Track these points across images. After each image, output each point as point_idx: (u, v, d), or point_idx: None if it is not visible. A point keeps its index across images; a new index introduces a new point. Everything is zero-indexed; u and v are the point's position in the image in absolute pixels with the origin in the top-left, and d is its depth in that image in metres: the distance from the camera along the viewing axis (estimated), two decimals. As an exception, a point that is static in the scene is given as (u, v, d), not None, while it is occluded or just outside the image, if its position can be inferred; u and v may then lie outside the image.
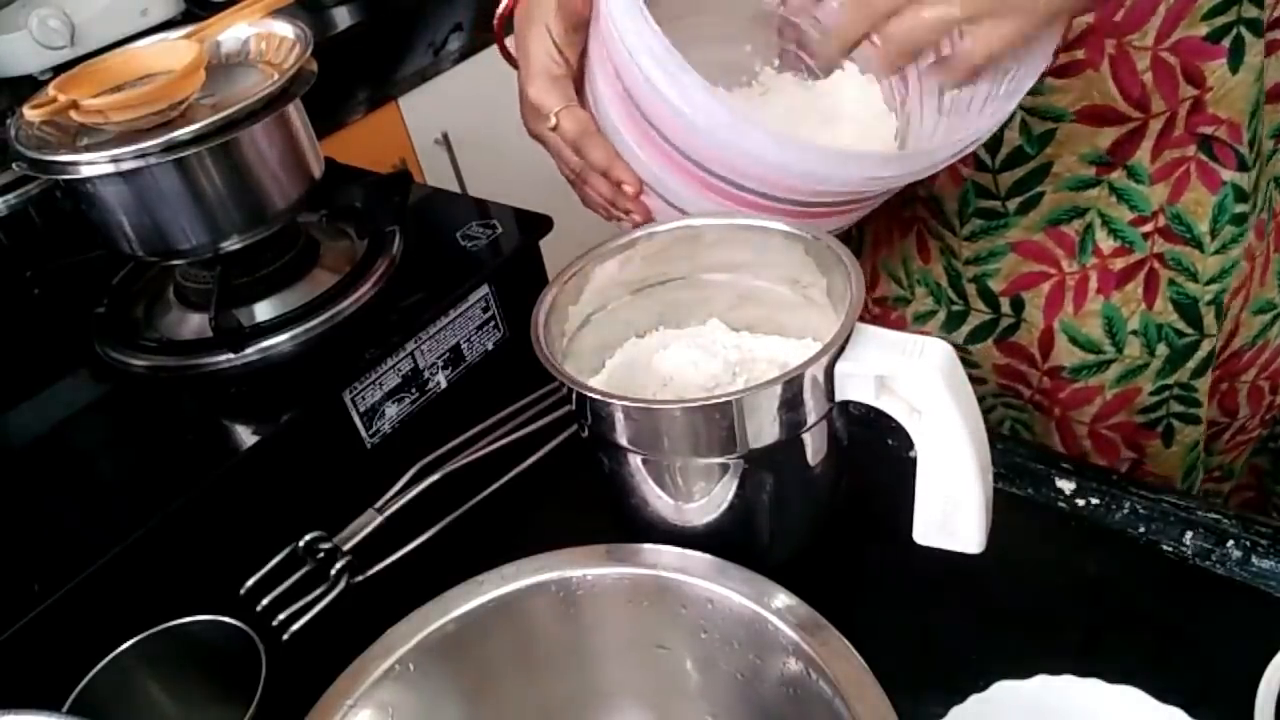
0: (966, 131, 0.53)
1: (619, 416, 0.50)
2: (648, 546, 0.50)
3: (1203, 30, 0.57)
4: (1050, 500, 0.61)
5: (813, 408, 0.50)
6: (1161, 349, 0.67)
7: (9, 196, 0.80)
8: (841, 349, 0.49)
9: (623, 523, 0.56)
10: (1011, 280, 0.68)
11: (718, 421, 0.49)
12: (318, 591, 0.59)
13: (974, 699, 0.49)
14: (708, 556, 0.49)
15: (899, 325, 0.75)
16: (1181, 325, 0.66)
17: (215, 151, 0.65)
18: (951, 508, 0.50)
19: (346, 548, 0.61)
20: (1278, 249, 0.67)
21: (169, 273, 0.77)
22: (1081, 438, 0.71)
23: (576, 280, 0.57)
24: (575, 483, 0.61)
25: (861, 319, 0.49)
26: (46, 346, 0.77)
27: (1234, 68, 0.58)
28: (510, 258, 0.76)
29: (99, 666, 0.52)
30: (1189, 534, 0.57)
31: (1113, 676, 0.49)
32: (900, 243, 0.73)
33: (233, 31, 0.74)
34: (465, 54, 1.55)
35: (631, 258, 0.59)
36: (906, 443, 0.56)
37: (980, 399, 0.73)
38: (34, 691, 0.52)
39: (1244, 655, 0.48)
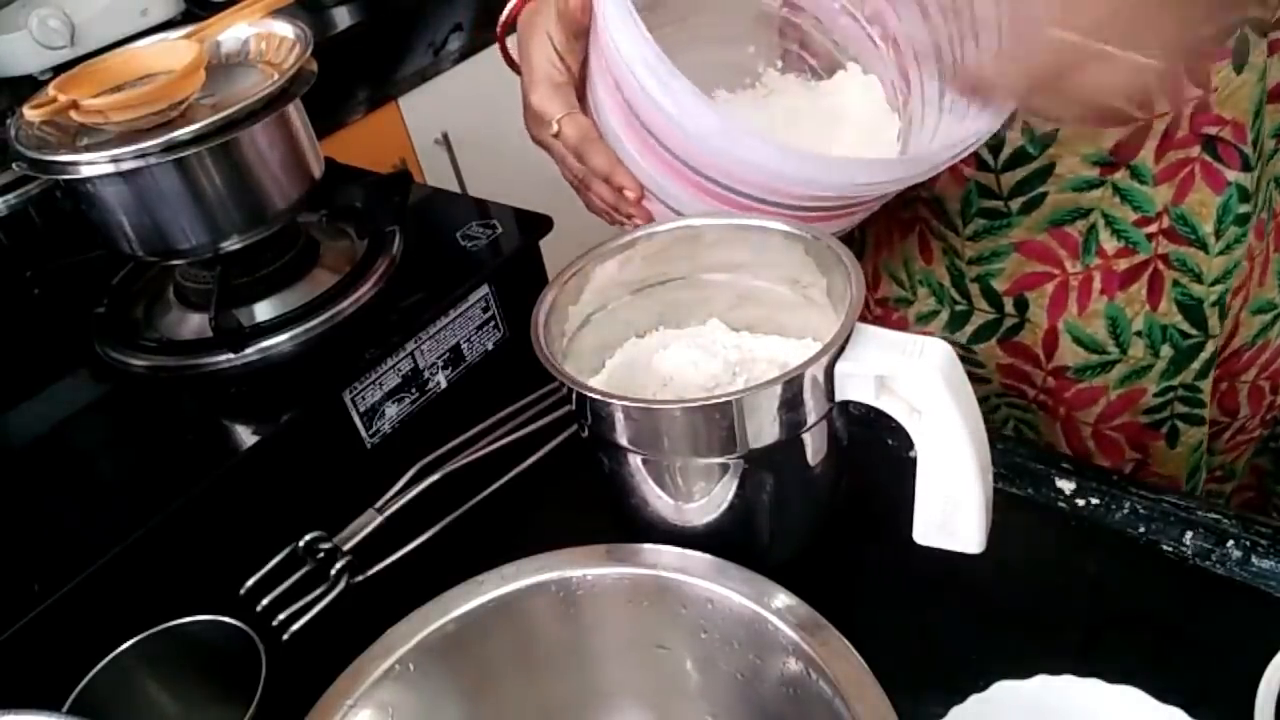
0: (965, 133, 0.53)
1: (619, 416, 0.50)
2: (648, 546, 0.50)
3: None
4: (1050, 500, 0.61)
5: (813, 408, 0.50)
6: (1166, 350, 0.67)
7: (9, 196, 0.80)
8: (841, 349, 0.49)
9: (623, 523, 0.56)
10: (1015, 280, 0.68)
11: (718, 421, 0.49)
12: (318, 591, 0.59)
13: (974, 699, 0.49)
14: (708, 556, 0.49)
15: (900, 326, 0.75)
16: (1186, 326, 0.66)
17: (215, 151, 0.65)
18: (951, 508, 0.50)
19: (346, 548, 0.61)
20: (1278, 249, 0.67)
21: (169, 273, 0.77)
22: (1086, 438, 0.71)
23: (576, 280, 0.57)
24: (575, 483, 0.61)
25: (863, 320, 0.50)
26: (46, 346, 0.77)
27: (1238, 68, 0.58)
28: (510, 258, 0.76)
29: (99, 666, 0.52)
30: (1189, 534, 0.57)
31: (1113, 676, 0.49)
32: (902, 243, 0.73)
33: (233, 31, 0.74)
34: (465, 54, 1.55)
35: (631, 258, 0.59)
36: (906, 443, 0.56)
37: (984, 399, 0.74)
38: (34, 691, 0.52)
39: (1244, 655, 0.48)
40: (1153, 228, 0.63)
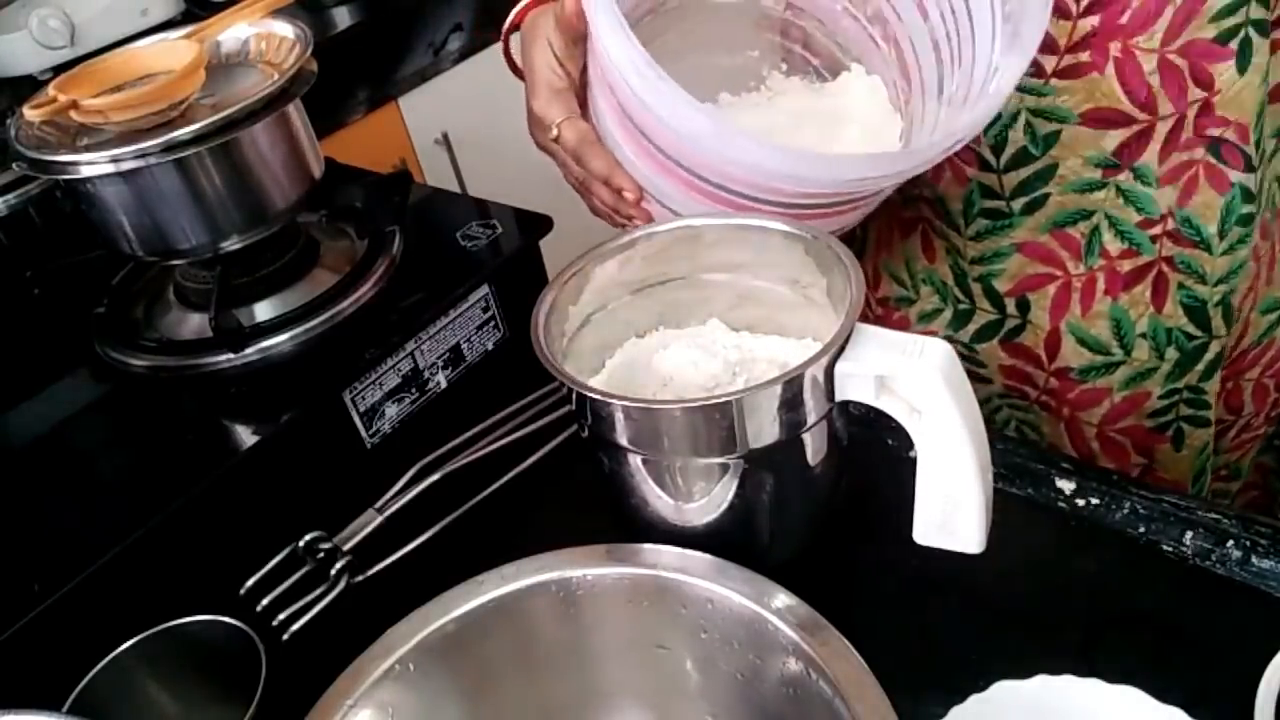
0: (958, 125, 0.53)
1: (619, 416, 0.50)
2: (648, 546, 0.50)
3: (1211, 32, 0.57)
4: (1050, 500, 0.61)
5: (813, 408, 0.50)
6: (1171, 353, 0.67)
7: (9, 196, 0.80)
8: (841, 349, 0.49)
9: (623, 523, 0.56)
10: (1017, 281, 0.68)
11: (718, 421, 0.49)
12: (318, 591, 0.59)
13: (974, 699, 0.49)
14: (708, 556, 0.49)
15: (902, 325, 0.75)
16: (1191, 328, 0.66)
17: (215, 151, 0.65)
18: (951, 508, 0.50)
19: (346, 548, 0.61)
20: (1283, 246, 0.67)
21: (169, 273, 0.77)
22: (1090, 439, 0.71)
23: (576, 280, 0.57)
24: (575, 483, 0.61)
25: (863, 319, 0.50)
26: (46, 346, 0.77)
27: (1241, 69, 0.58)
28: (510, 258, 0.76)
29: (99, 666, 0.52)
30: (1189, 534, 0.57)
31: (1113, 676, 0.49)
32: (903, 243, 0.73)
33: (233, 31, 0.74)
34: (465, 54, 1.55)
35: (631, 258, 0.59)
36: (906, 443, 0.56)
37: (985, 399, 0.74)
38: (34, 691, 0.52)
39: (1244, 655, 0.48)
40: (1157, 230, 0.63)
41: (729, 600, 0.47)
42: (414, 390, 0.72)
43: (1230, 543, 0.55)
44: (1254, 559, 0.55)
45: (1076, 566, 0.57)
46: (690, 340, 0.60)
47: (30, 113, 0.66)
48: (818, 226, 0.56)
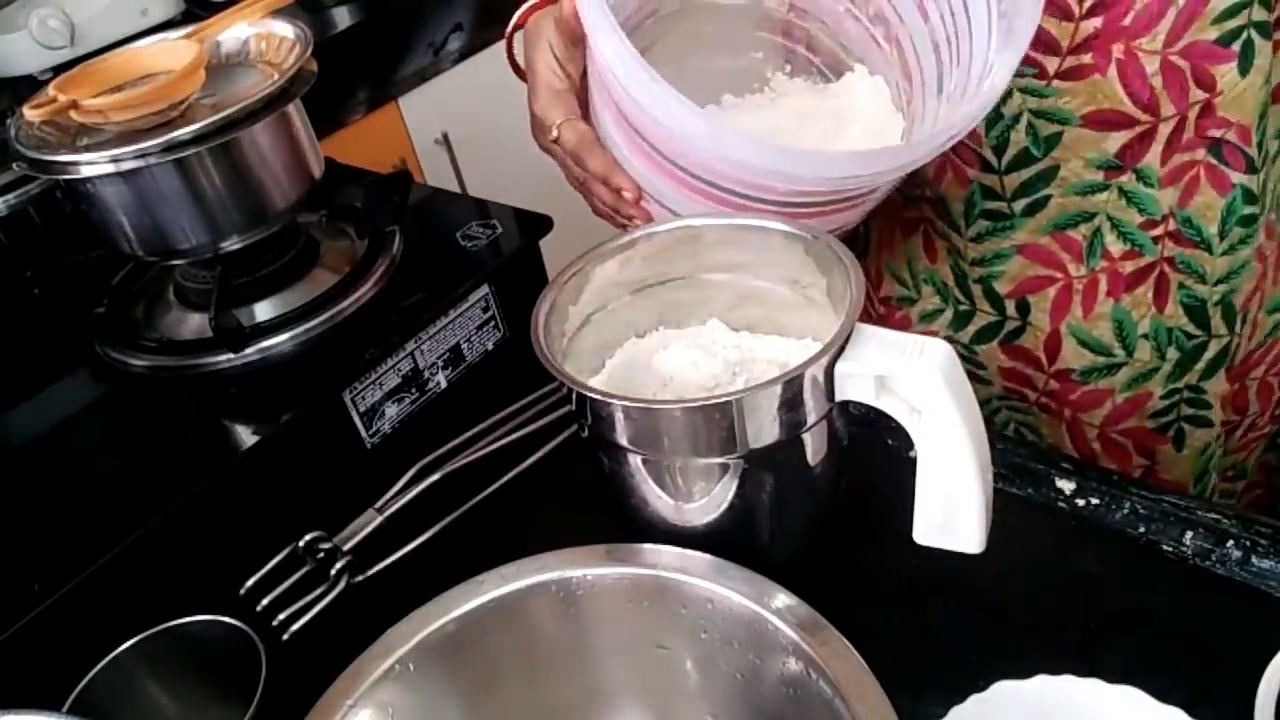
0: (947, 125, 0.53)
1: (619, 416, 0.50)
2: (648, 546, 0.50)
3: (1213, 34, 0.57)
4: (1050, 500, 0.61)
5: (813, 408, 0.50)
6: (1172, 352, 0.67)
7: (9, 196, 0.80)
8: (841, 349, 0.49)
9: (623, 523, 0.56)
10: (1018, 283, 0.68)
11: (718, 421, 0.49)
12: (318, 591, 0.59)
13: (974, 699, 0.49)
14: (708, 556, 0.49)
15: (903, 325, 0.75)
16: (1191, 328, 0.66)
17: (215, 151, 0.65)
18: (951, 508, 0.50)
19: (346, 548, 0.61)
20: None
21: (169, 273, 0.77)
22: (1092, 441, 0.71)
23: (576, 280, 0.57)
24: (575, 483, 0.61)
25: (866, 319, 0.50)
26: (46, 346, 0.77)
27: (1243, 71, 0.58)
28: (510, 258, 0.76)
29: (99, 666, 0.52)
30: (1189, 534, 0.57)
31: (1113, 676, 0.49)
32: (905, 243, 0.73)
33: (233, 31, 0.74)
34: (465, 54, 1.55)
35: (631, 258, 0.59)
36: (906, 443, 0.56)
37: (985, 401, 0.74)
38: (34, 691, 0.52)
39: (1244, 655, 0.48)
40: (1158, 230, 0.63)
41: (729, 600, 0.47)
42: (414, 390, 0.72)
43: (1230, 543, 0.55)
44: (1254, 559, 0.55)
45: (1076, 566, 0.57)
46: (690, 340, 0.60)
47: (30, 113, 0.66)
48: (818, 225, 0.56)
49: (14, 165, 0.68)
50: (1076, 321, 0.67)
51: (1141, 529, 0.58)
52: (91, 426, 0.68)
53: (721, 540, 0.51)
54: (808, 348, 0.57)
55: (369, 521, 0.62)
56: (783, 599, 0.46)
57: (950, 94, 0.59)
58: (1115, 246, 0.64)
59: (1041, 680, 0.49)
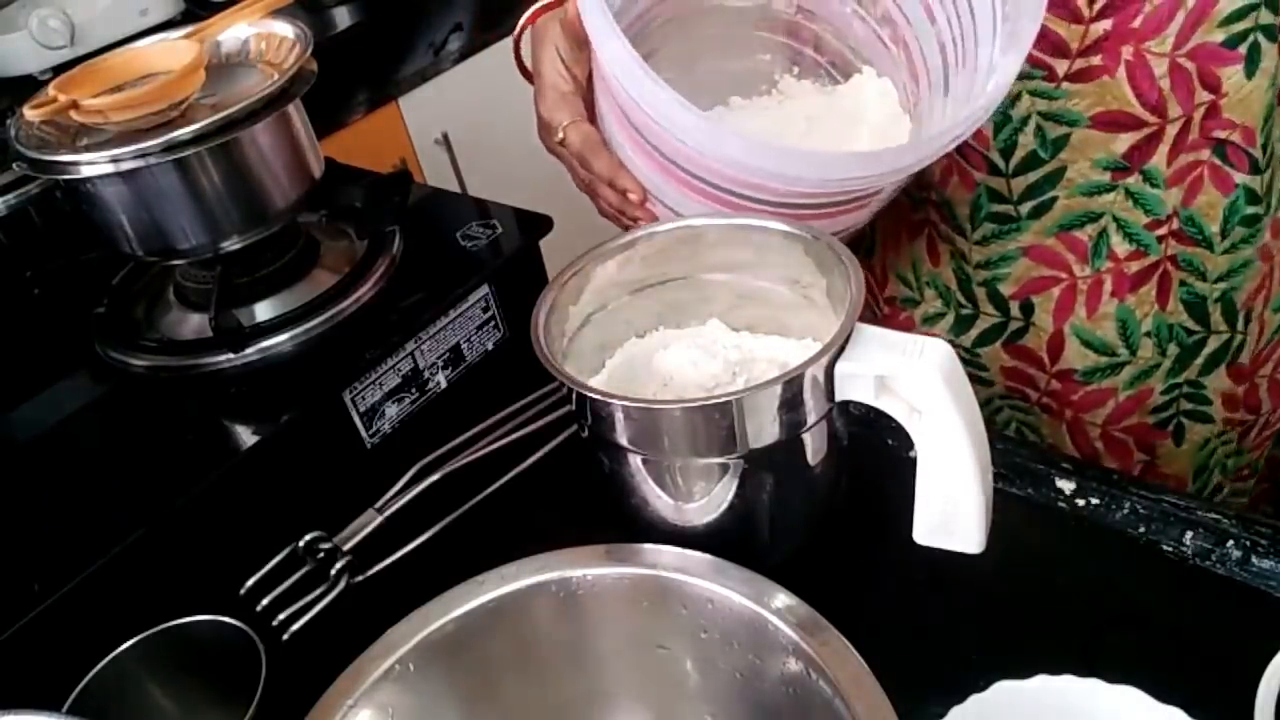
0: (948, 126, 0.53)
1: (619, 416, 0.50)
2: (648, 546, 0.50)
3: (1220, 36, 0.57)
4: (1050, 500, 0.61)
5: (813, 408, 0.50)
6: (1172, 349, 0.67)
7: (9, 196, 0.80)
8: (841, 349, 0.49)
9: (623, 523, 0.56)
10: (1022, 284, 0.68)
11: (718, 421, 0.49)
12: (318, 591, 0.59)
13: (974, 699, 0.49)
14: (708, 556, 0.49)
15: (907, 326, 0.75)
16: (1190, 324, 0.66)
17: (215, 151, 0.65)
18: (951, 508, 0.50)
19: (346, 548, 0.61)
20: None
21: (169, 273, 0.77)
22: (1094, 439, 0.71)
23: (576, 280, 0.57)
24: (575, 483, 0.61)
25: (870, 319, 0.50)
26: (46, 346, 0.77)
27: (1249, 73, 0.58)
28: (510, 258, 0.76)
29: (99, 666, 0.52)
30: (1189, 534, 0.57)
31: (1113, 676, 0.49)
32: (910, 245, 0.73)
33: (233, 31, 0.74)
34: (465, 54, 1.55)
35: (631, 258, 0.59)
36: (906, 443, 0.56)
37: (986, 401, 0.74)
38: (34, 691, 0.52)
39: (1244, 655, 0.48)
40: (1163, 230, 0.64)
41: (729, 600, 0.47)
42: (414, 390, 0.72)
43: (1230, 543, 0.55)
44: (1254, 559, 0.55)
45: (1076, 566, 0.57)
46: (690, 340, 0.60)
47: (30, 113, 0.66)
48: (824, 227, 0.56)
49: (14, 165, 0.68)
50: (1080, 322, 0.67)
51: (1141, 529, 0.58)
52: (92, 427, 0.68)
53: (721, 540, 0.52)
54: (808, 348, 0.57)
55: (369, 521, 0.62)
56: (783, 599, 0.46)
57: (956, 96, 0.59)
58: (1121, 247, 0.64)
59: (1041, 680, 0.49)
